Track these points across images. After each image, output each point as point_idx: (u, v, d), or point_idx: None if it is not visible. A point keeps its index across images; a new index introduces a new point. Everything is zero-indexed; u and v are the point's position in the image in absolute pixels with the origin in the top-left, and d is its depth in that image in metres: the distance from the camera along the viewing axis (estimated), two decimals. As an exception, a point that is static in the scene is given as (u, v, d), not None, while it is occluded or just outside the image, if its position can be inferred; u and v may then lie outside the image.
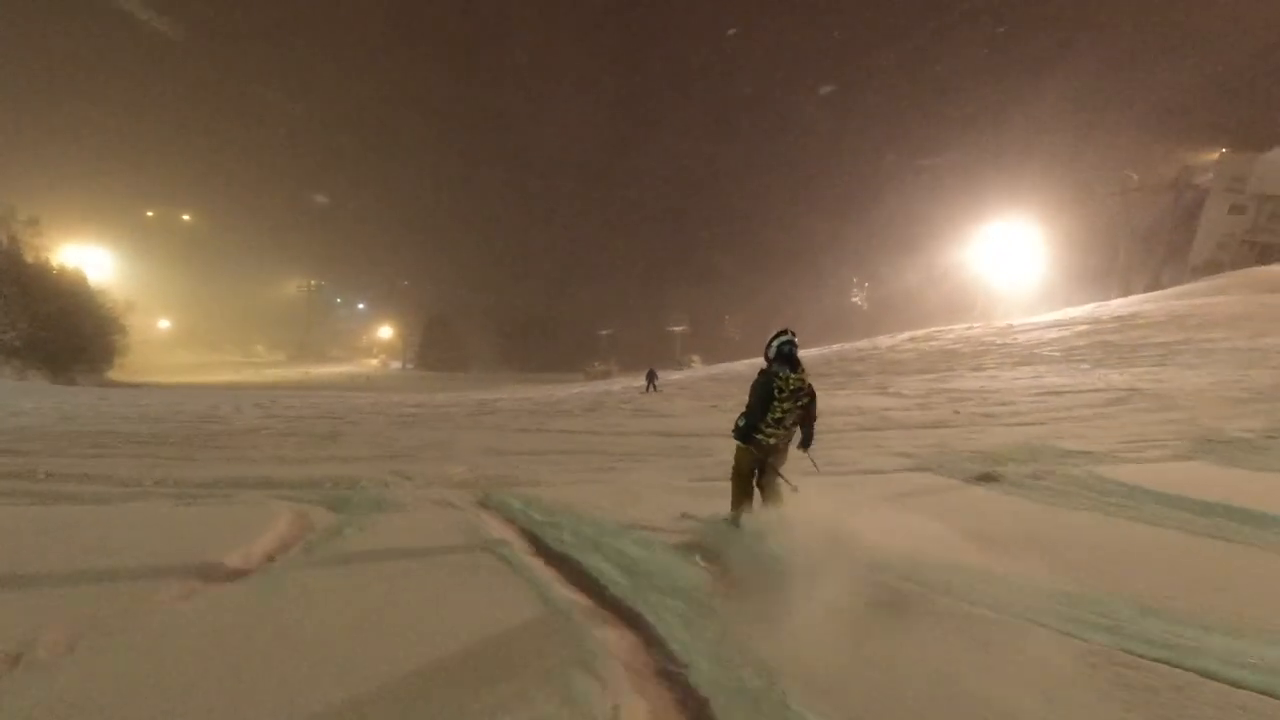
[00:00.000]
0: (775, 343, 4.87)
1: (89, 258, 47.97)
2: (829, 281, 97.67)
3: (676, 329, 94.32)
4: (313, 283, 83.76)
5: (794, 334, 4.92)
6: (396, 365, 74.40)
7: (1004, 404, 15.39)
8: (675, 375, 42.72)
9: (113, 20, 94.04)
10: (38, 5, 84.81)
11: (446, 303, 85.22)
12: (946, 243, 77.89)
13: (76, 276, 41.26)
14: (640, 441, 11.34)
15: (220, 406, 20.54)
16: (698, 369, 56.60)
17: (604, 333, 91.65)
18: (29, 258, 37.37)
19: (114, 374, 41.94)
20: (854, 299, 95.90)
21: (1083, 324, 34.38)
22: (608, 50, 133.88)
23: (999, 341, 33.66)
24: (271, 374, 54.61)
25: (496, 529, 4.80)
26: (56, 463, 8.12)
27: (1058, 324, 36.14)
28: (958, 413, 14.46)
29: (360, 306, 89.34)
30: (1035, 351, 29.23)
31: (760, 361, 5.13)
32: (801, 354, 4.83)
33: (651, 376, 27.52)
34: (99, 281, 44.36)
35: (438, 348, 75.79)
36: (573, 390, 36.34)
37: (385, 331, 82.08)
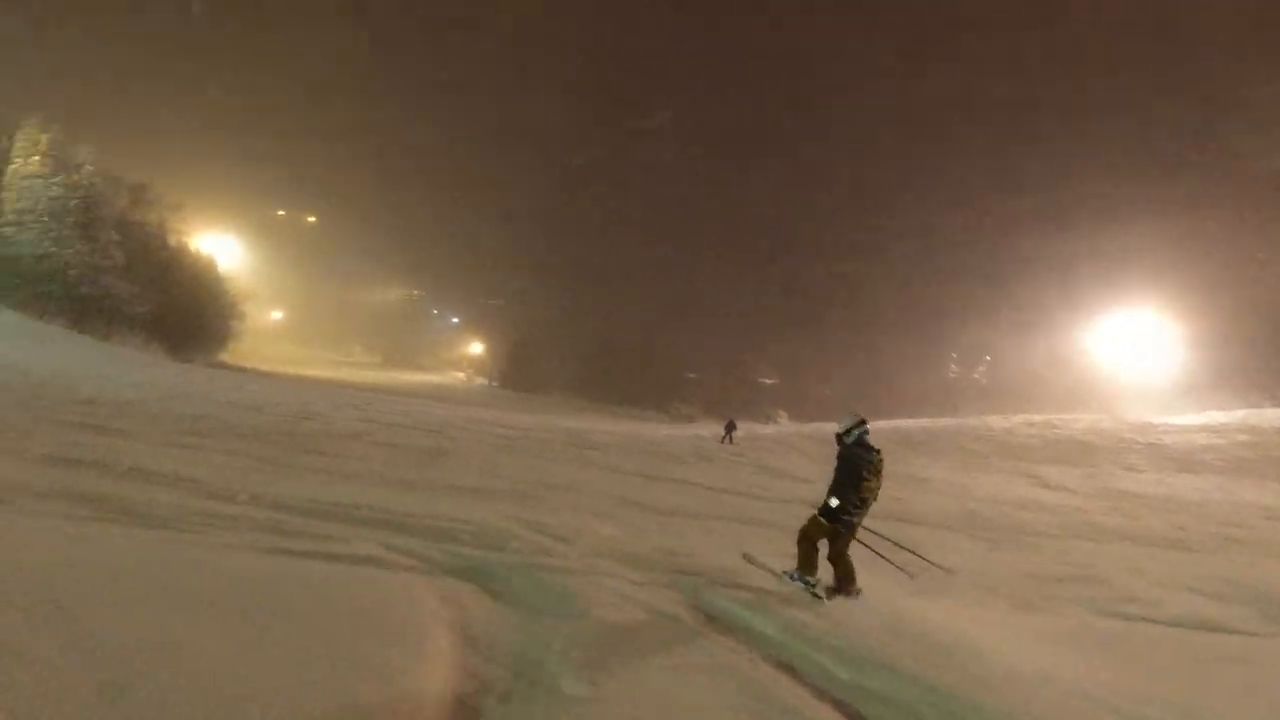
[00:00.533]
0: (857, 431, 5.19)
1: (221, 246, 50.51)
2: (930, 351, 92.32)
3: (766, 381, 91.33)
4: (414, 293, 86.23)
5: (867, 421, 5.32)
6: (481, 381, 74.92)
7: (1237, 524, 12.27)
8: (765, 429, 40.87)
9: (267, 38, 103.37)
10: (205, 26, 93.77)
11: (534, 326, 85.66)
12: (1068, 325, 71.78)
13: (208, 262, 43.17)
14: (803, 513, 9.20)
15: (318, 403, 19.88)
16: (784, 424, 53.95)
17: (691, 376, 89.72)
18: (171, 240, 39.31)
19: (225, 357, 43.32)
20: (952, 373, 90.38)
21: (1240, 433, 30.25)
22: (726, 90, 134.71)
23: (1140, 440, 30.38)
24: (365, 375, 55.70)
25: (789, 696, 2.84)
26: (145, 451, 6.89)
27: (1207, 429, 31.97)
28: (1183, 529, 11.53)
29: (454, 320, 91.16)
30: (1193, 457, 26.02)
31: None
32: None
33: (730, 427, 26.23)
34: (226, 269, 46.34)
35: (522, 369, 75.90)
36: (661, 431, 34.73)
37: (476, 347, 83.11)
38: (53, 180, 29.22)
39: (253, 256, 60.72)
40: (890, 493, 15.01)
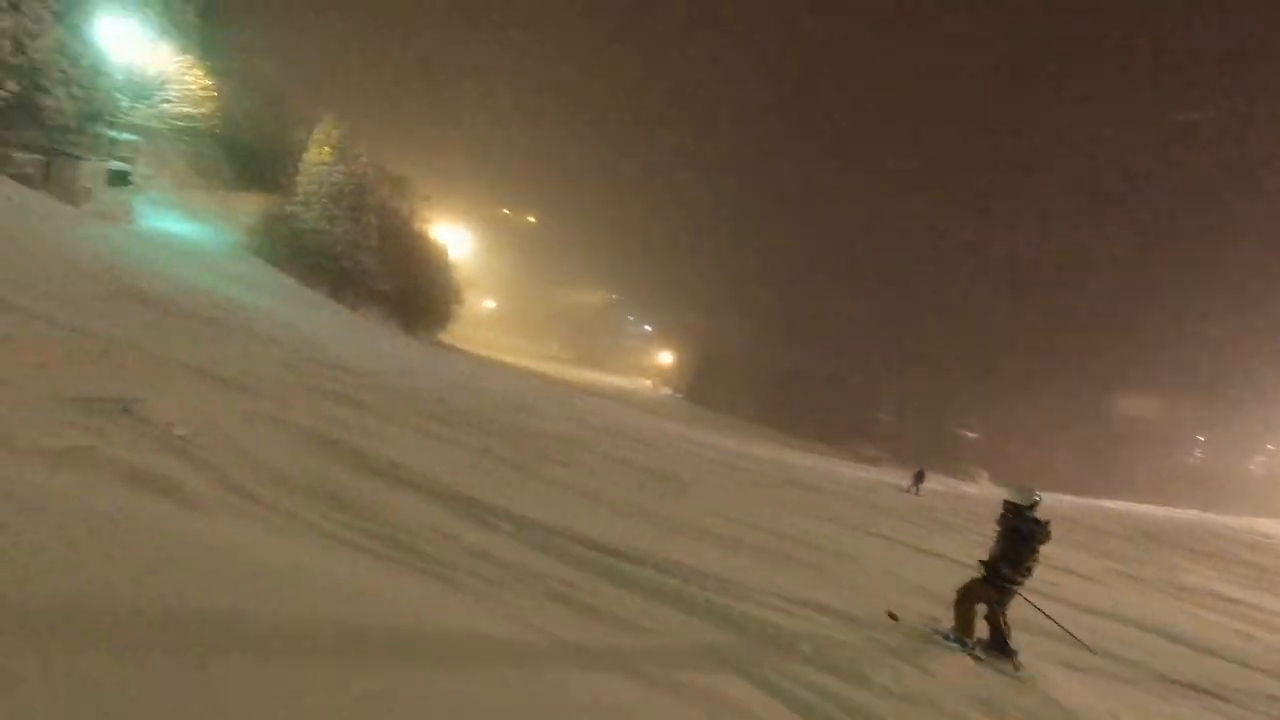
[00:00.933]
0: (1036, 505, 5.32)
1: (453, 236, 55.38)
2: (1172, 429, 77.58)
3: (968, 434, 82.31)
4: (613, 297, 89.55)
5: None
6: (666, 391, 75.41)
7: None
8: (967, 488, 36.30)
9: (508, 49, 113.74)
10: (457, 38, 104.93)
11: (724, 344, 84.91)
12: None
13: (442, 249, 47.28)
14: (1100, 626, 6.70)
15: (529, 395, 20.03)
16: (985, 485, 47.86)
17: (883, 417, 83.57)
18: (416, 226, 43.53)
19: (443, 336, 47.08)
20: (1195, 457, 75.53)
21: None
22: (966, 116, 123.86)
23: None
24: (561, 370, 58.14)
25: None
26: (396, 438, 6.33)
27: None
28: None
29: (646, 328, 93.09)
30: None
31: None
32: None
33: (919, 477, 25.02)
34: (455, 258, 50.53)
35: (707, 385, 75.33)
36: (853, 471, 32.00)
37: (665, 357, 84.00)
38: (335, 168, 33.41)
39: (477, 249, 66.18)
40: (1212, 618, 11.35)
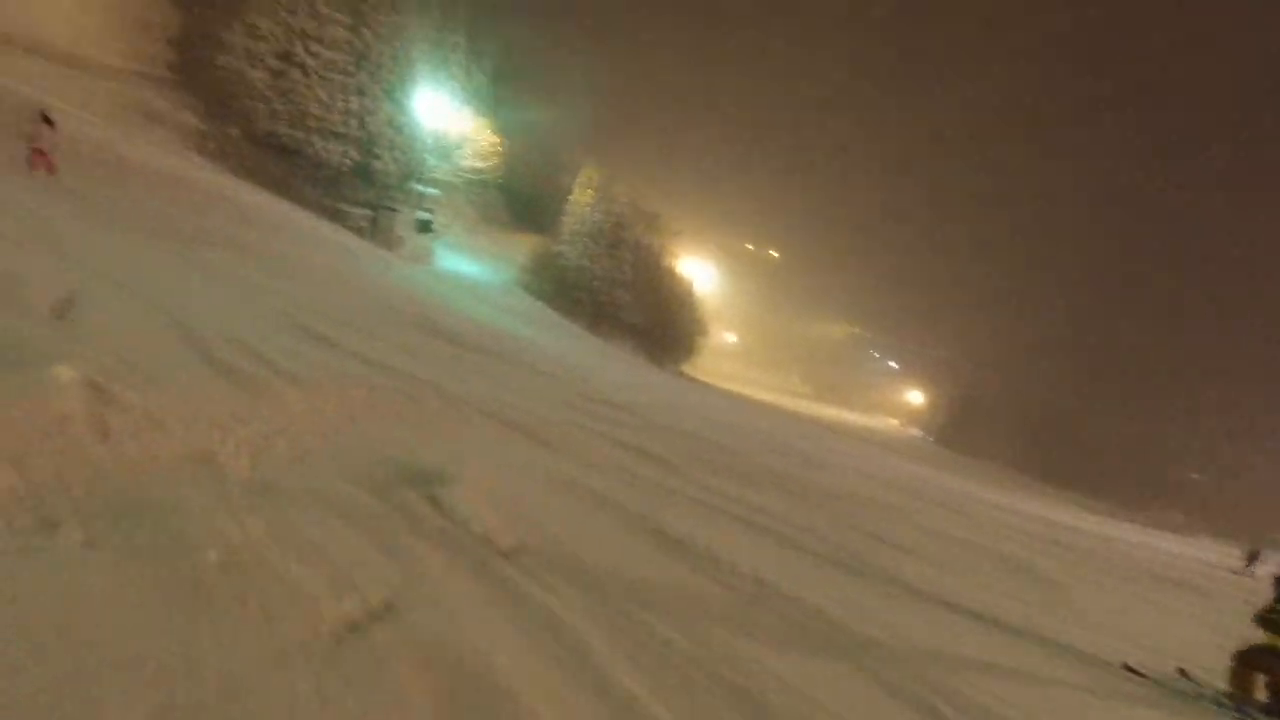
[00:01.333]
0: None
1: (699, 270, 55.94)
2: None
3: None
4: (856, 331, 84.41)
5: None
6: (915, 432, 68.22)
7: None
8: None
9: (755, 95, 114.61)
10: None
11: (981, 382, 75.14)
12: None
13: (688, 283, 47.59)
14: None
15: (795, 439, 18.05)
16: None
17: (1194, 476, 67.34)
18: (666, 261, 44.34)
19: (685, 368, 47.15)
20: None
21: None
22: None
23: None
24: (807, 406, 55.39)
25: None
26: (720, 524, 4.78)
27: None
28: None
29: (892, 364, 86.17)
30: None
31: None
32: None
33: (1254, 558, 21.63)
34: (700, 291, 50.64)
35: (960, 427, 66.75)
36: (1170, 544, 24.87)
37: (915, 396, 76.46)
38: (596, 208, 35.16)
39: (721, 282, 66.34)
40: None
